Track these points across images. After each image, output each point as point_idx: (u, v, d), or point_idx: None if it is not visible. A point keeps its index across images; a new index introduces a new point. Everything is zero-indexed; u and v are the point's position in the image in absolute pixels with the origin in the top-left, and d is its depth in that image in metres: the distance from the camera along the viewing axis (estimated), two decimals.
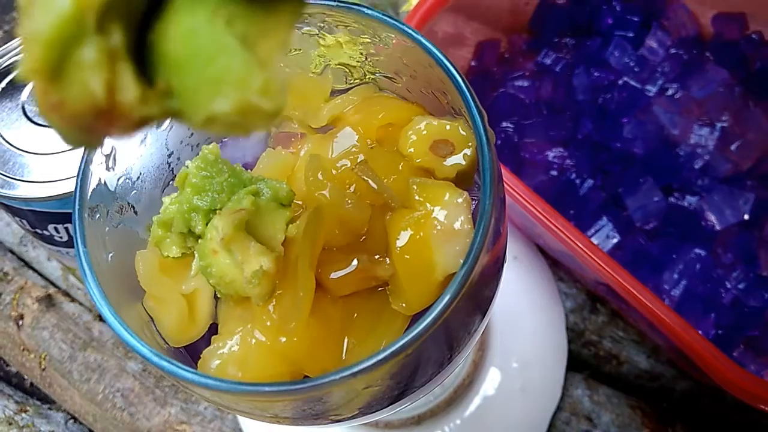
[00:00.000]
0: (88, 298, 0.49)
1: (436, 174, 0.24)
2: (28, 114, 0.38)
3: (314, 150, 0.26)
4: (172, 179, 0.27)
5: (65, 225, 0.38)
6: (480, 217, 0.20)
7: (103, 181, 0.24)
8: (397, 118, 0.26)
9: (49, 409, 0.47)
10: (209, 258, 0.21)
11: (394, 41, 0.24)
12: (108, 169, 0.24)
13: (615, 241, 0.43)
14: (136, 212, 0.25)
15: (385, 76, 0.27)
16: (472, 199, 0.23)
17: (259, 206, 0.22)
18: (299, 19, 0.14)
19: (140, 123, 0.13)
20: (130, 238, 0.25)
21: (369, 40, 0.25)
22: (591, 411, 0.44)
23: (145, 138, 0.25)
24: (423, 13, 0.43)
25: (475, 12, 0.49)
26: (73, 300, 0.49)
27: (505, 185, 0.38)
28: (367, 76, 0.27)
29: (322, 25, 0.25)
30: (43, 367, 0.46)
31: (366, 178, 0.23)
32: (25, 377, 0.48)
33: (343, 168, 0.25)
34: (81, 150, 0.23)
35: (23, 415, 0.45)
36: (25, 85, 0.39)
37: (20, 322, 0.47)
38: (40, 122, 0.37)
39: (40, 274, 0.51)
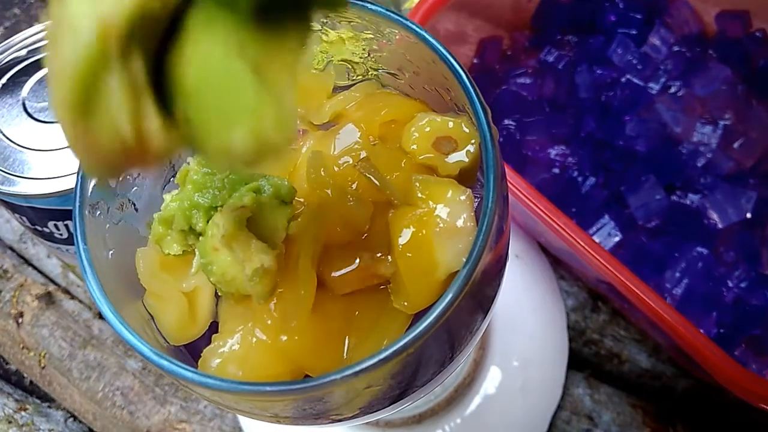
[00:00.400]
0: (88, 296, 0.49)
1: (439, 171, 0.24)
2: (29, 110, 0.37)
3: (316, 147, 0.25)
4: (173, 176, 0.27)
5: (65, 222, 0.38)
6: (483, 214, 0.20)
7: (104, 182, 0.23)
8: (399, 114, 0.26)
9: (49, 407, 0.46)
10: (210, 255, 0.21)
11: (397, 37, 0.24)
12: None
13: (617, 239, 0.43)
14: (136, 209, 0.25)
15: (387, 73, 0.27)
16: (475, 197, 0.23)
17: (261, 203, 0.22)
18: (307, 42, 0.14)
19: (161, 156, 0.13)
20: (131, 235, 0.25)
21: (372, 36, 0.25)
22: (592, 410, 0.44)
23: None
24: (425, 11, 0.43)
25: (477, 9, 0.49)
26: (72, 297, 0.49)
27: (507, 183, 0.38)
28: (370, 73, 0.27)
29: (324, 20, 0.25)
30: (42, 365, 0.46)
31: (368, 175, 0.23)
32: (25, 375, 0.48)
33: (345, 165, 0.24)
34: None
35: (23, 413, 0.45)
36: (25, 82, 0.38)
37: (20, 320, 0.47)
38: (40, 119, 0.37)
39: (40, 272, 0.51)
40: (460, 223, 0.22)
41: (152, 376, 0.45)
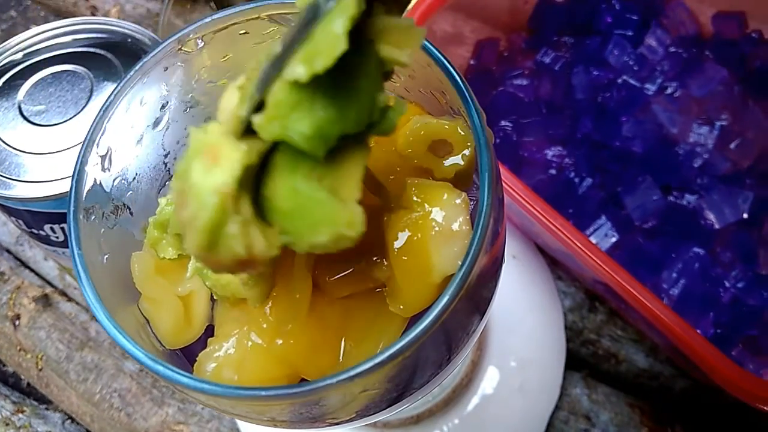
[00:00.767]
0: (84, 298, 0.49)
1: (435, 174, 0.24)
2: (25, 114, 0.37)
3: None
4: (168, 180, 0.27)
5: (61, 225, 0.38)
6: (478, 218, 0.20)
7: (98, 182, 0.23)
8: None
9: (46, 409, 0.46)
10: None
11: None
12: (103, 169, 0.24)
13: (614, 240, 0.43)
14: (131, 213, 0.25)
15: None
16: (471, 200, 0.23)
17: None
18: (366, 161, 0.18)
19: (266, 260, 0.17)
20: (126, 239, 0.25)
21: None
22: (590, 410, 0.44)
23: (141, 138, 0.25)
24: (422, 12, 0.43)
25: (474, 10, 0.49)
26: (69, 300, 0.49)
27: (504, 184, 0.38)
28: None
29: None
30: (39, 367, 0.46)
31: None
32: (22, 377, 0.48)
33: None
34: (76, 150, 0.23)
35: (20, 415, 0.45)
36: (21, 85, 0.38)
37: (17, 322, 0.47)
38: (36, 122, 0.37)
39: (37, 274, 0.51)
40: (455, 226, 0.22)
41: (149, 378, 0.45)
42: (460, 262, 0.20)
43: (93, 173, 0.23)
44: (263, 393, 0.19)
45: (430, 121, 0.24)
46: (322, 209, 0.17)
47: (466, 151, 0.24)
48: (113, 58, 0.39)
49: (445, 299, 0.19)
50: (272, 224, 0.17)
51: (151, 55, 0.24)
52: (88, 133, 0.23)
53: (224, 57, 0.25)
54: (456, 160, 0.24)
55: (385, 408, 0.24)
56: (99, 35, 0.40)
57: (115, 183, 0.24)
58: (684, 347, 0.35)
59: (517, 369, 0.43)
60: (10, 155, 0.36)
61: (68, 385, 0.45)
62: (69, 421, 0.46)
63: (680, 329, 0.35)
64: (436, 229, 0.22)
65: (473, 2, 0.48)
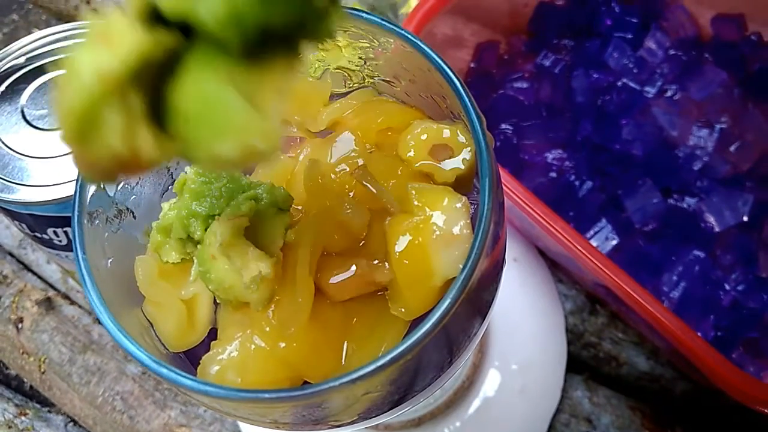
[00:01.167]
0: (88, 301, 0.49)
1: (435, 178, 0.24)
2: (28, 118, 0.38)
3: (313, 154, 0.26)
4: (171, 184, 0.27)
5: (64, 229, 0.38)
6: (479, 222, 0.20)
7: (102, 187, 0.24)
8: (396, 122, 0.26)
9: (49, 412, 0.47)
10: (208, 264, 0.21)
11: (392, 46, 0.24)
12: None
13: (614, 242, 0.43)
14: (135, 217, 0.25)
15: (384, 80, 0.27)
16: (471, 203, 0.23)
17: (258, 212, 0.22)
18: (295, 69, 0.16)
19: (153, 164, 0.15)
20: (129, 243, 0.25)
21: (368, 45, 0.25)
22: (591, 412, 0.44)
23: None
24: (422, 16, 0.43)
25: (474, 14, 0.49)
26: (72, 303, 0.49)
27: (504, 187, 0.38)
28: (366, 80, 0.27)
29: None
30: (42, 370, 0.46)
31: (365, 183, 0.23)
32: (25, 380, 0.48)
33: (342, 172, 0.25)
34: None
35: (23, 418, 0.45)
36: (24, 89, 0.38)
37: (20, 325, 0.47)
38: (39, 126, 0.37)
39: (40, 277, 0.51)
40: (456, 230, 0.22)
41: (152, 381, 0.45)
42: (461, 266, 0.20)
43: None
44: (266, 395, 0.19)
45: (431, 126, 0.24)
46: (231, 115, 0.14)
47: (467, 156, 0.24)
48: None
49: (446, 302, 0.19)
50: (172, 135, 0.15)
51: None
52: None
53: None
54: (456, 164, 0.24)
55: (387, 410, 0.24)
56: None
57: (119, 187, 0.25)
58: (684, 350, 0.36)
59: (519, 372, 0.44)
60: (13, 159, 0.36)
61: (71, 388, 0.45)
62: (71, 424, 0.46)
63: (681, 332, 0.35)
64: (437, 233, 0.22)
65: (473, 5, 0.49)
